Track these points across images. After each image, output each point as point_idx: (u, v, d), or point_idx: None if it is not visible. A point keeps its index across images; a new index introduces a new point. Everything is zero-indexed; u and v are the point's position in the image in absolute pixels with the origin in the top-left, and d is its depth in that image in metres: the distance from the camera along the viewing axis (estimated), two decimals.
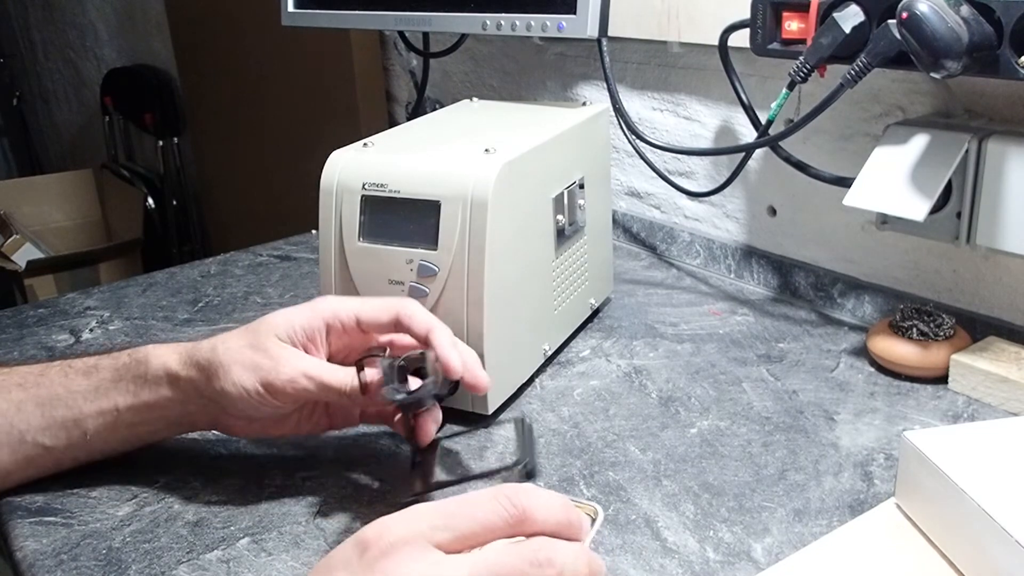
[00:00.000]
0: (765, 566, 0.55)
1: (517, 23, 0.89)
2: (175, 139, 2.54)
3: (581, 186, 0.81)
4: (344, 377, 0.58)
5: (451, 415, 0.69)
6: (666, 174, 1.00)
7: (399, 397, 0.57)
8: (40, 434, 0.61)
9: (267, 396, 0.58)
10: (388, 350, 0.62)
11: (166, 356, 0.61)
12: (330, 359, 0.61)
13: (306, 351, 0.60)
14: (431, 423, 0.60)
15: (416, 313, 0.60)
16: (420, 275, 0.68)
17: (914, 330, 0.75)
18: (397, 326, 0.60)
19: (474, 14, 0.93)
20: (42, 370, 0.63)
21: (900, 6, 0.64)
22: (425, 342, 0.59)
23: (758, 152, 0.94)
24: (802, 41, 0.77)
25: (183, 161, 2.55)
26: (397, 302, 0.61)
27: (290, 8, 1.10)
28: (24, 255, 2.48)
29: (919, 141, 0.74)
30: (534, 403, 0.75)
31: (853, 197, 0.75)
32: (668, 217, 1.08)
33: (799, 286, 0.93)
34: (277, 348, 0.58)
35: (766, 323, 0.87)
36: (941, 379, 0.74)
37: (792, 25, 0.78)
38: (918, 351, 0.74)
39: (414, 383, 0.58)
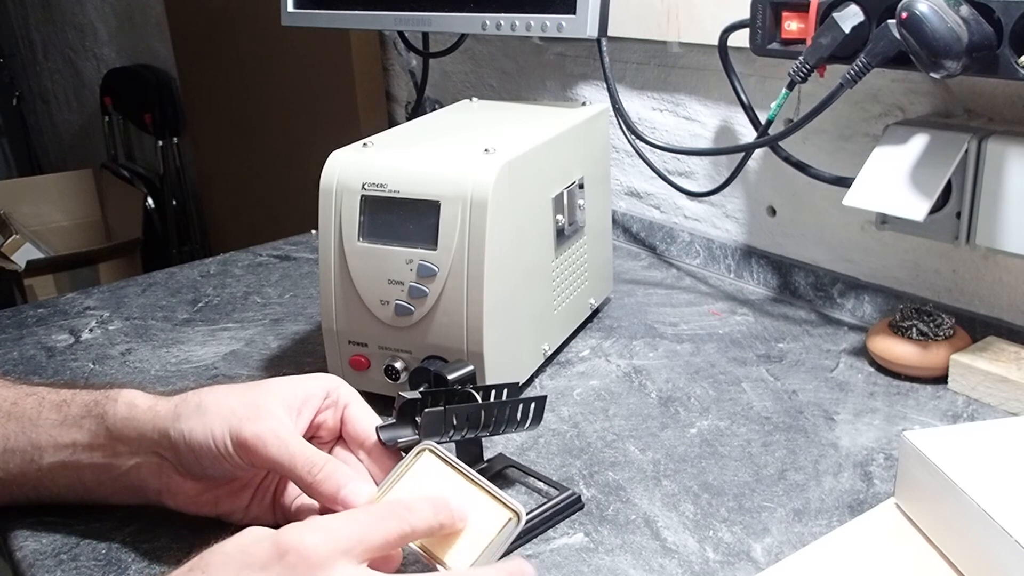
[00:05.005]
0: (765, 566, 0.55)
1: (517, 23, 0.89)
2: (175, 139, 2.54)
3: (581, 186, 0.81)
4: (313, 458, 0.52)
5: None
6: (666, 174, 1.00)
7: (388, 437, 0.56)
8: None
9: (230, 447, 0.53)
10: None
11: (137, 396, 0.57)
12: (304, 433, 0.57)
13: (297, 419, 0.56)
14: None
15: (383, 459, 0.56)
16: (420, 275, 0.68)
17: (914, 330, 0.75)
18: (360, 449, 0.57)
19: (474, 14, 0.93)
20: (17, 397, 0.59)
21: (900, 6, 0.64)
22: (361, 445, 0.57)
23: (758, 152, 0.94)
24: (802, 41, 0.77)
25: (183, 161, 2.55)
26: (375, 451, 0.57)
27: (290, 8, 1.10)
28: (24, 255, 2.48)
29: (919, 141, 0.74)
30: None
31: (853, 197, 0.75)
32: (668, 217, 1.08)
33: (799, 286, 0.93)
34: (265, 403, 0.54)
35: (766, 323, 0.87)
36: (941, 379, 0.74)
37: (792, 25, 0.78)
38: (918, 351, 0.74)
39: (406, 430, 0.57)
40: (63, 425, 0.57)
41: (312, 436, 0.57)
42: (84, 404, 0.58)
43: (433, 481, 0.51)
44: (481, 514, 0.49)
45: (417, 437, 0.55)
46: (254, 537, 0.44)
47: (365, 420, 0.57)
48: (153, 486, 0.57)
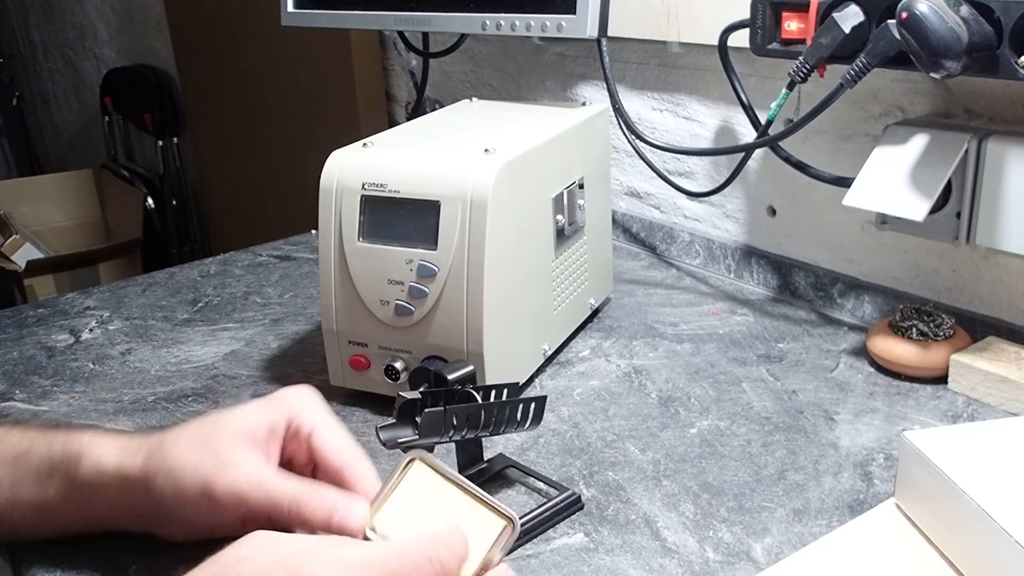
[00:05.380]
0: (765, 566, 0.55)
1: (517, 23, 0.89)
2: (175, 139, 2.54)
3: (581, 186, 0.81)
4: (295, 493, 0.49)
5: None
6: (666, 174, 1.00)
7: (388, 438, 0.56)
8: None
9: (204, 504, 0.50)
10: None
11: (102, 452, 0.54)
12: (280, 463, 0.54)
13: (266, 456, 0.52)
14: None
15: (364, 480, 0.52)
16: (420, 275, 0.68)
17: (914, 330, 0.75)
18: (338, 477, 0.53)
19: (474, 14, 0.93)
20: None
21: (900, 6, 0.64)
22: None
23: (758, 152, 0.94)
24: (802, 41, 0.77)
25: (183, 161, 2.55)
26: (354, 457, 0.53)
27: (290, 8, 1.10)
28: (24, 255, 2.48)
29: (919, 141, 0.74)
30: None
31: (853, 197, 0.75)
32: (668, 217, 1.08)
33: (799, 286, 0.93)
34: (228, 449, 0.51)
35: (766, 323, 0.87)
36: (941, 379, 0.74)
37: (792, 25, 0.78)
38: (918, 351, 0.74)
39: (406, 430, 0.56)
40: (25, 483, 0.54)
41: (285, 464, 0.55)
42: (47, 458, 0.54)
43: (426, 493, 0.50)
44: (475, 524, 0.48)
45: (416, 437, 0.55)
46: (268, 560, 0.42)
47: (333, 443, 0.53)
48: (138, 528, 0.55)
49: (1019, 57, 0.64)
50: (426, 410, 0.55)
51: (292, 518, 0.49)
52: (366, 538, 0.48)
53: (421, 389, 0.59)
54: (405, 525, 0.49)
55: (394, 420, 0.57)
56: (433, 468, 0.50)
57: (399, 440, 0.56)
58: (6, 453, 0.55)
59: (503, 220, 0.68)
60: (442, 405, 0.57)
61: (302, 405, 0.54)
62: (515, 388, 0.60)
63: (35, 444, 0.55)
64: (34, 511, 0.55)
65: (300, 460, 0.55)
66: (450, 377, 0.60)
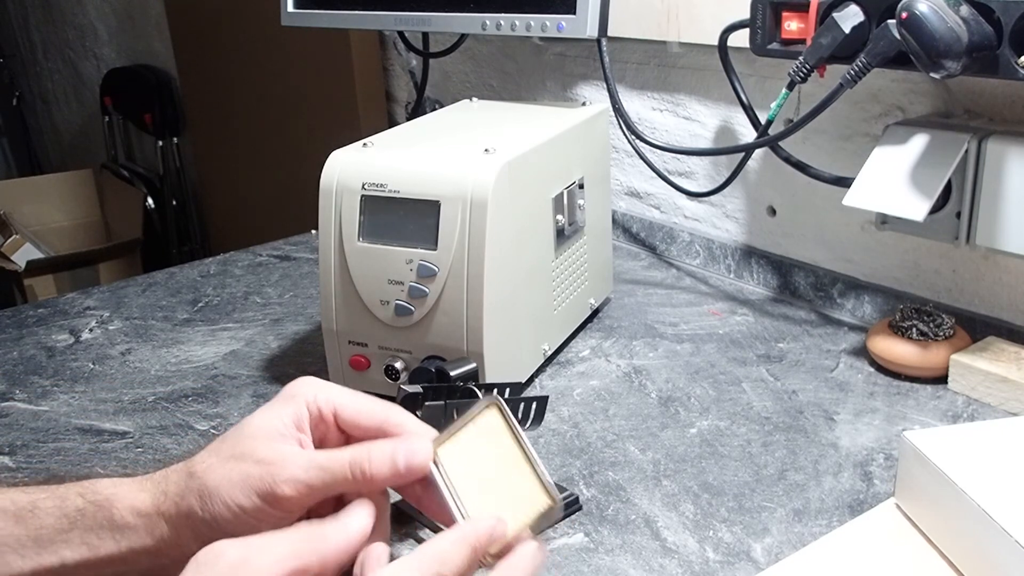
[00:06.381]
0: (765, 566, 0.55)
1: (517, 23, 0.89)
2: (175, 139, 2.54)
3: (581, 186, 0.81)
4: (353, 457, 0.48)
5: None
6: (666, 174, 1.00)
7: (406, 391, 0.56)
8: None
9: (268, 508, 0.47)
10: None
11: (133, 496, 0.49)
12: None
13: (300, 445, 0.50)
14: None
15: (407, 423, 0.50)
16: (420, 275, 0.68)
17: (914, 330, 0.75)
18: (380, 435, 0.51)
19: (474, 14, 0.93)
20: None
21: (900, 6, 0.64)
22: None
23: (758, 152, 0.94)
24: (802, 41, 0.77)
25: (183, 161, 2.55)
26: (387, 409, 0.51)
27: (290, 8, 1.10)
28: (24, 255, 2.48)
29: (919, 141, 0.74)
30: None
31: (853, 197, 0.75)
32: (668, 217, 1.08)
33: (799, 286, 0.93)
34: (267, 450, 0.49)
35: (766, 323, 0.87)
36: (941, 379, 0.74)
37: (792, 25, 0.78)
38: (918, 351, 0.74)
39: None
40: (38, 543, 0.48)
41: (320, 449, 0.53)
42: (61, 513, 0.48)
43: (491, 442, 0.48)
44: (522, 494, 0.47)
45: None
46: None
47: (364, 408, 0.51)
48: (175, 572, 0.51)
49: (1019, 57, 0.64)
50: (426, 403, 0.55)
51: (361, 482, 0.47)
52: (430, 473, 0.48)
53: (422, 384, 0.59)
54: (464, 469, 0.48)
55: None
56: (505, 420, 0.49)
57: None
58: (9, 507, 0.49)
59: (503, 220, 0.68)
60: (443, 400, 0.57)
61: (314, 390, 0.52)
62: (517, 387, 0.60)
63: (41, 501, 0.49)
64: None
65: (332, 441, 0.53)
66: (453, 373, 0.60)
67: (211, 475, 0.48)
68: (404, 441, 0.47)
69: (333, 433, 0.52)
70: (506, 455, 0.49)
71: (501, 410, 0.50)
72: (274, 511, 0.47)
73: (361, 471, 0.47)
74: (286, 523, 0.49)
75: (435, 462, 0.48)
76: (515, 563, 0.45)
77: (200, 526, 0.48)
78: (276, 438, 0.49)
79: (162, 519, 0.48)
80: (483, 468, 0.48)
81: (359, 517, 0.46)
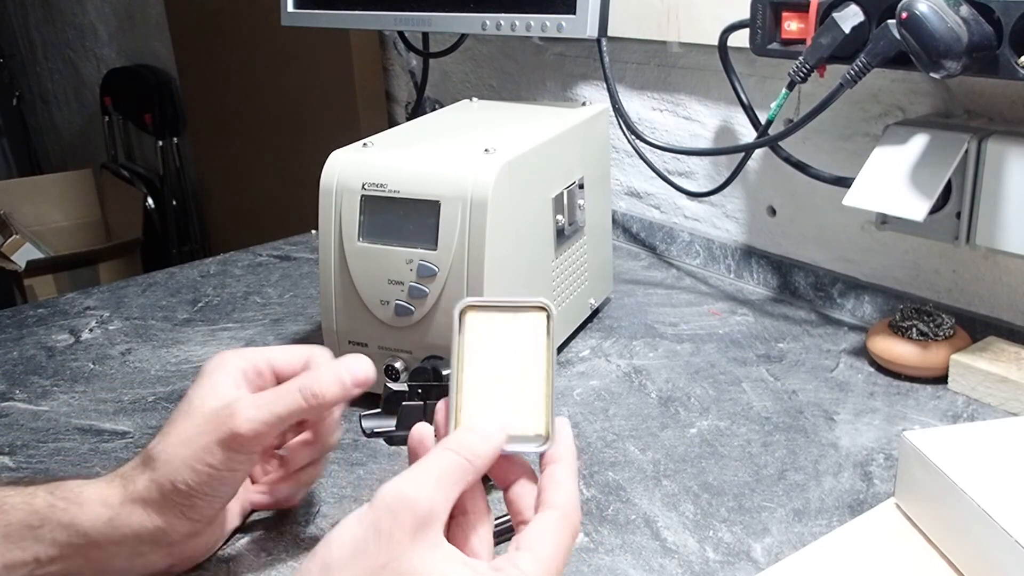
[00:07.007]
0: (765, 566, 0.55)
1: (517, 23, 0.89)
2: (175, 139, 2.54)
3: (581, 186, 0.81)
4: (299, 385, 0.50)
5: None
6: (666, 174, 1.00)
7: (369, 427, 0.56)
8: None
9: (233, 455, 0.49)
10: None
11: (102, 490, 0.50)
12: None
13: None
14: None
15: (325, 360, 0.53)
16: (420, 275, 0.68)
17: (914, 330, 0.75)
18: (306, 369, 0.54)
19: (474, 14, 0.93)
20: None
21: (900, 6, 0.64)
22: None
23: (758, 152, 0.94)
24: (802, 41, 0.77)
25: (183, 161, 2.55)
26: (308, 348, 0.54)
27: (290, 8, 1.10)
28: (24, 255, 2.48)
29: (919, 141, 0.74)
30: None
31: (853, 197, 0.75)
32: (668, 217, 1.08)
33: (799, 286, 0.93)
34: (216, 402, 0.50)
35: (766, 323, 0.87)
36: (941, 379, 0.74)
37: (792, 25, 0.78)
38: (918, 351, 0.74)
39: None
40: (7, 539, 0.48)
41: None
42: (31, 510, 0.49)
43: (517, 342, 0.47)
44: (520, 408, 0.46)
45: (394, 428, 0.56)
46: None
47: (287, 352, 0.54)
48: (160, 566, 0.53)
49: (1019, 57, 0.64)
50: (404, 403, 0.55)
51: (315, 405, 0.49)
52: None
53: (409, 382, 0.59)
54: (482, 345, 0.47)
55: (380, 410, 0.57)
56: (547, 331, 0.47)
57: (376, 430, 0.56)
58: None
59: (503, 220, 0.68)
60: (424, 400, 0.57)
61: (240, 355, 0.54)
62: None
63: (9, 498, 0.49)
64: (15, 572, 0.49)
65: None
66: (445, 372, 0.60)
67: (169, 449, 0.49)
68: (344, 360, 0.50)
69: (269, 386, 0.54)
70: (527, 363, 0.47)
71: (549, 320, 0.47)
72: (240, 455, 0.49)
73: (312, 393, 0.49)
74: (251, 466, 0.52)
75: (461, 319, 0.47)
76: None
77: (178, 498, 0.49)
78: (222, 391, 0.51)
79: (136, 506, 0.49)
80: (499, 357, 0.47)
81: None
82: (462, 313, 0.47)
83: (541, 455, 0.44)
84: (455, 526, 0.44)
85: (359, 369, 0.50)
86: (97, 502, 0.49)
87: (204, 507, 0.51)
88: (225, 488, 0.51)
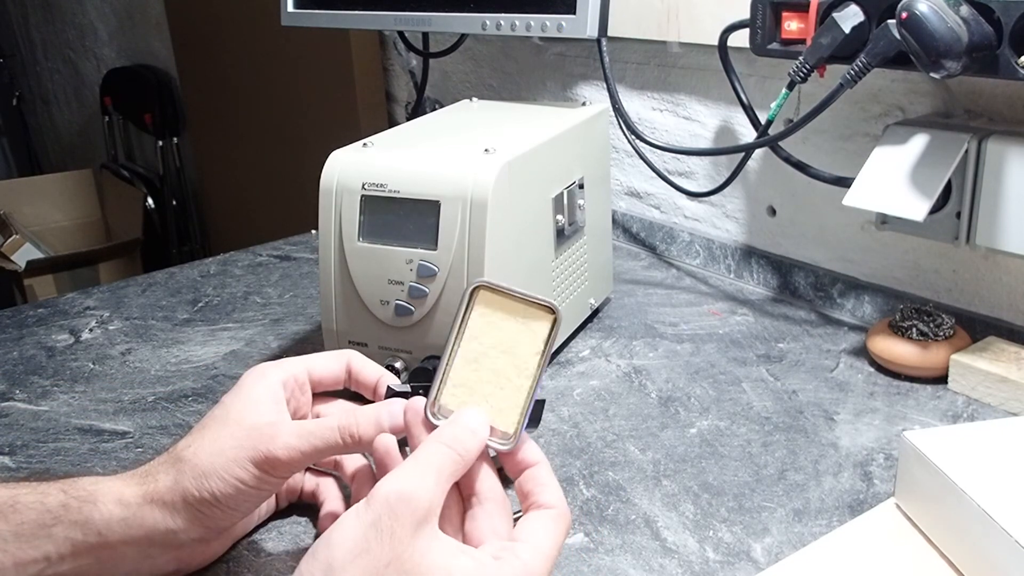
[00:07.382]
0: (765, 566, 0.55)
1: (517, 23, 0.89)
2: (175, 139, 2.54)
3: (581, 186, 0.81)
4: (340, 422, 0.49)
5: None
6: (666, 174, 1.00)
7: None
8: None
9: (265, 476, 0.49)
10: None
11: (117, 489, 0.49)
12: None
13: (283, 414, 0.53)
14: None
15: (364, 362, 0.55)
16: (420, 275, 0.68)
17: (914, 330, 0.75)
18: (348, 375, 0.56)
19: (474, 14, 0.93)
20: None
21: (900, 6, 0.64)
22: (374, 391, 0.56)
23: (758, 152, 0.94)
24: (802, 41, 0.77)
25: (183, 161, 2.55)
26: (344, 352, 0.56)
27: (290, 8, 1.10)
28: (24, 255, 2.48)
29: (919, 141, 0.74)
30: None
31: (853, 197, 0.75)
32: (668, 217, 1.08)
33: (799, 286, 0.93)
34: (258, 417, 0.50)
35: (766, 323, 0.87)
36: (941, 379, 0.74)
37: (792, 25, 0.78)
38: (918, 351, 0.74)
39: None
40: (20, 538, 0.47)
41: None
42: (43, 508, 0.48)
43: (517, 340, 0.48)
44: (500, 405, 0.48)
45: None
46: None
47: (325, 360, 0.56)
48: (167, 567, 0.52)
49: (1019, 57, 0.64)
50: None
51: (351, 445, 0.49)
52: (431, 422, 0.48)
53: (411, 383, 0.59)
54: (481, 334, 0.49)
55: None
56: (548, 336, 0.48)
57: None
58: None
59: (503, 220, 0.68)
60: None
61: (280, 367, 0.54)
62: None
63: (23, 497, 0.48)
64: (26, 572, 0.48)
65: (303, 410, 0.56)
66: None
67: (202, 454, 0.49)
68: (385, 405, 0.50)
69: (306, 399, 0.55)
70: (520, 361, 0.48)
71: (554, 325, 0.48)
72: (271, 478, 0.49)
73: (350, 435, 0.49)
74: (277, 488, 0.52)
75: (472, 297, 0.48)
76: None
77: (199, 506, 0.49)
78: (264, 408, 0.51)
79: (155, 507, 0.49)
80: (495, 347, 0.48)
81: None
82: (474, 291, 0.48)
83: (504, 453, 0.48)
84: (470, 517, 0.46)
85: (398, 416, 0.49)
86: (112, 500, 0.49)
87: (221, 518, 0.50)
88: (247, 504, 0.51)
